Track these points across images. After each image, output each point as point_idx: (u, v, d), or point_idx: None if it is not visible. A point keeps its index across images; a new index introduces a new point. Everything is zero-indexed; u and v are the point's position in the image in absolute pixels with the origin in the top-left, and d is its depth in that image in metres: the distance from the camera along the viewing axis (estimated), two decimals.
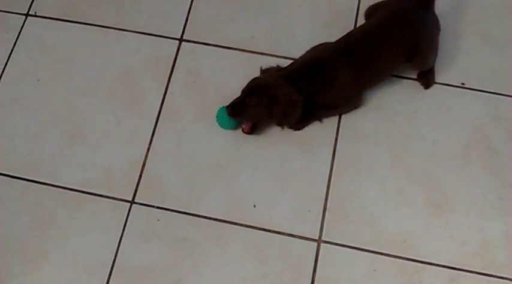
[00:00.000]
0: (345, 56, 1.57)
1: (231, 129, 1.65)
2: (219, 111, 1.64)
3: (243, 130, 1.64)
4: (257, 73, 1.66)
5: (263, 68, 1.67)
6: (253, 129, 1.63)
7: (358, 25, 1.76)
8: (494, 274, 1.50)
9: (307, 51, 1.66)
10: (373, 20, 1.63)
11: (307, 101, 1.57)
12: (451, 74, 1.70)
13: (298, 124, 1.65)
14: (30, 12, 1.85)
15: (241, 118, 1.61)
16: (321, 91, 1.58)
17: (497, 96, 1.68)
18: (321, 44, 1.66)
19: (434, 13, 1.62)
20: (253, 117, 1.60)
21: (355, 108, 1.67)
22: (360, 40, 1.60)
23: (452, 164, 1.61)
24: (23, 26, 1.84)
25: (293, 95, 1.55)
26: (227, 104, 1.58)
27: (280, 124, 1.65)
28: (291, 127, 1.65)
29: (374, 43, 1.58)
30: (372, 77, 1.64)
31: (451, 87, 1.69)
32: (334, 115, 1.67)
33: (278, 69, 1.65)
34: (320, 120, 1.66)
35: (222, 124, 1.65)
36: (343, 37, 1.63)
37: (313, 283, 1.50)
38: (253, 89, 1.56)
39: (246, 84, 1.59)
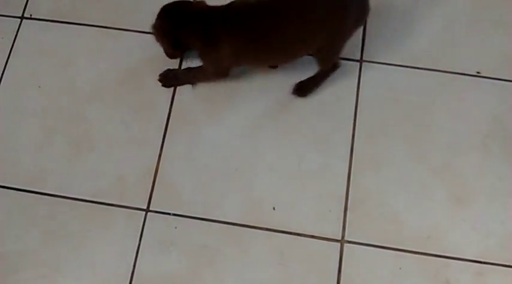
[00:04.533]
0: (232, 23, 1.39)
1: None
2: None
3: None
4: (267, 73, 1.63)
5: None
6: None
7: None
8: None
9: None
10: None
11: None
12: (466, 63, 1.67)
13: (169, 82, 1.65)
14: (25, 15, 1.76)
15: None
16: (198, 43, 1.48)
17: None
18: None
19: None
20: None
21: (222, 78, 1.60)
22: (262, 9, 1.37)
23: (472, 155, 1.58)
24: (18, 29, 1.75)
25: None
26: None
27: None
28: (164, 85, 1.65)
29: (279, 16, 1.35)
30: (260, 56, 1.48)
31: (466, 76, 1.66)
32: (201, 79, 1.65)
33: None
34: (191, 83, 1.65)
35: None
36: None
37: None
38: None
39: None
